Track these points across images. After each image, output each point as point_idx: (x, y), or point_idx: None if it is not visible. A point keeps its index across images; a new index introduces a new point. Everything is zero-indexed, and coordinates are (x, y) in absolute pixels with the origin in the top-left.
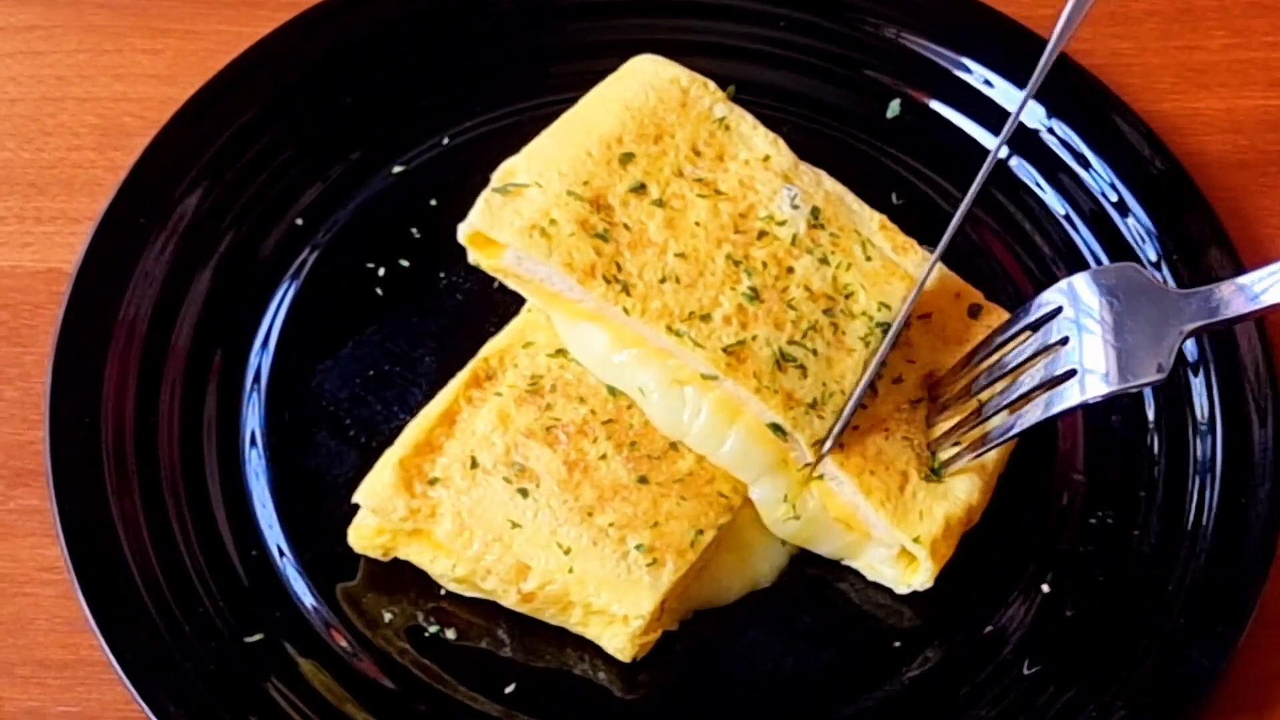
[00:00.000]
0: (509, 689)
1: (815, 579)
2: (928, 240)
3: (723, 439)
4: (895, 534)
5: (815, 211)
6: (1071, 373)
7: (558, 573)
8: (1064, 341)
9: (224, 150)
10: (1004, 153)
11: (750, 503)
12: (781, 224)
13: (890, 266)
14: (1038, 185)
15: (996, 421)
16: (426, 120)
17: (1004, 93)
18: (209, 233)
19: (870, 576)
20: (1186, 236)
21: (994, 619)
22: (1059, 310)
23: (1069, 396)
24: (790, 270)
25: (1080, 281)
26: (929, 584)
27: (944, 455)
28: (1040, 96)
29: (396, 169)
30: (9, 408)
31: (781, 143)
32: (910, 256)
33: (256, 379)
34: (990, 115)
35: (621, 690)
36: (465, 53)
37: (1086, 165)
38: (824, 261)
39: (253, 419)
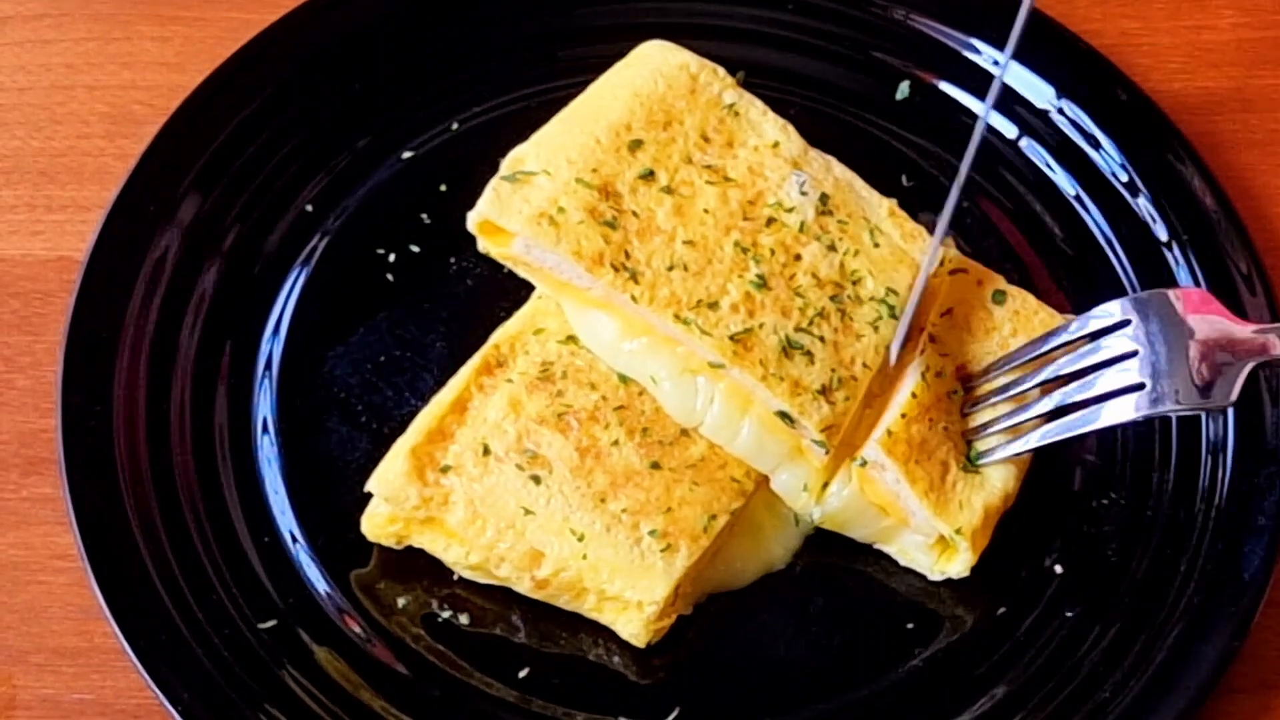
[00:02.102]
0: (523, 673)
1: (829, 561)
2: (935, 223)
3: (736, 429)
4: (937, 523)
5: (824, 198)
6: (1138, 385)
7: (571, 559)
8: (1133, 354)
9: (233, 137)
10: (1013, 133)
11: (764, 487)
12: (790, 211)
13: (898, 253)
14: (1047, 166)
15: (1047, 420)
16: (435, 106)
17: (1013, 73)
18: (219, 220)
19: (903, 562)
20: (1197, 217)
21: (1007, 600)
22: (1127, 323)
23: (1134, 408)
24: (798, 257)
25: (1151, 298)
26: (965, 573)
27: (982, 447)
28: (1050, 77)
29: (406, 155)
30: (21, 396)
31: (791, 128)
32: (919, 243)
33: (268, 366)
34: (999, 96)
35: (636, 674)
36: (473, 38)
37: (1096, 145)
38: (832, 248)
39: (264, 406)
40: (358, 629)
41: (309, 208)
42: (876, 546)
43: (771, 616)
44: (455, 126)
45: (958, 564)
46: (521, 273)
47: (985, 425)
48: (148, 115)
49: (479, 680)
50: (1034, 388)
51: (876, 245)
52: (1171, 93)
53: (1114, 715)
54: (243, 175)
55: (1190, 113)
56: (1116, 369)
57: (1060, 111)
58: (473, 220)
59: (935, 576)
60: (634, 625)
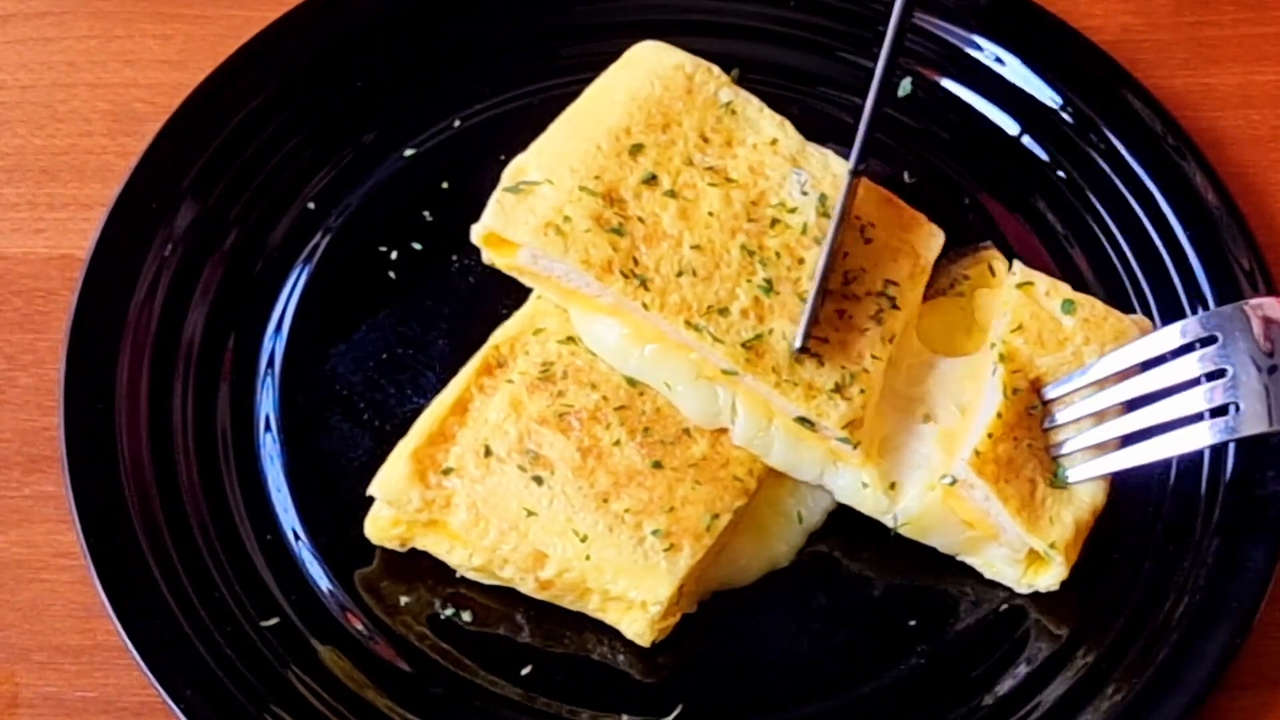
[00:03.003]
0: (526, 671)
1: (832, 559)
2: (937, 220)
3: (769, 442)
4: (1030, 540)
5: (823, 198)
6: (1223, 407)
7: (575, 560)
8: (1220, 374)
9: (235, 135)
10: (1015, 130)
11: (767, 484)
12: (792, 211)
13: (896, 244)
14: (1050, 163)
15: (1132, 438)
16: (437, 103)
17: (1015, 70)
18: (221, 218)
19: (987, 574)
20: (1199, 213)
21: (1010, 596)
22: (1214, 340)
23: (1221, 431)
24: (801, 261)
25: (1233, 314)
26: (1055, 587)
27: (1069, 465)
28: (1052, 73)
29: (408, 152)
30: (23, 394)
31: (788, 124)
32: (917, 230)
33: (270, 363)
34: (1002, 93)
35: (640, 672)
36: (475, 35)
37: (1098, 143)
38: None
39: (266, 403)
40: (360, 627)
41: (311, 205)
42: (960, 559)
43: (775, 614)
44: (457, 124)
45: (1049, 577)
46: (528, 282)
47: (1070, 443)
48: (150, 113)
49: (483, 678)
50: (1116, 405)
51: (871, 240)
52: (1174, 89)
53: (1117, 712)
54: (244, 173)
55: (1192, 109)
56: (1205, 389)
57: (1062, 108)
58: (477, 233)
59: (1022, 590)
60: (638, 625)
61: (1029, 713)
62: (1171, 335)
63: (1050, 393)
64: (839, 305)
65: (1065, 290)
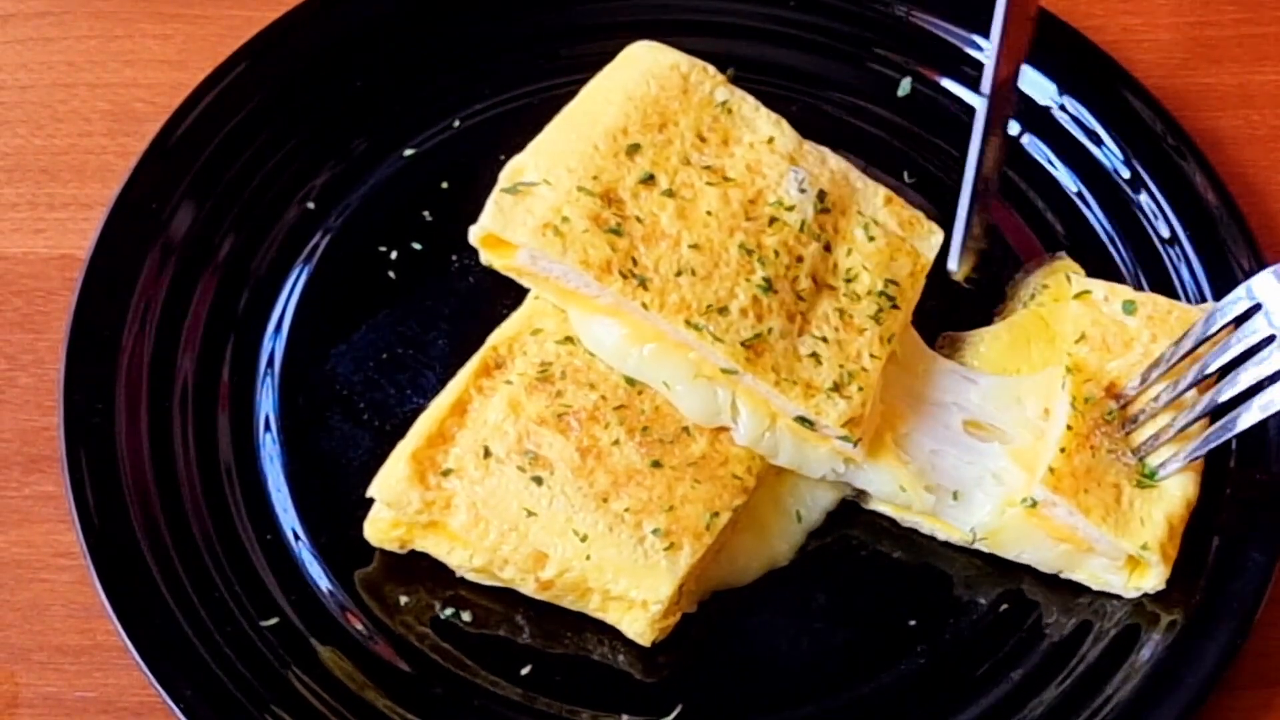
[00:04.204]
0: (526, 671)
1: (832, 558)
2: (937, 220)
3: (775, 444)
4: (1121, 546)
5: (821, 194)
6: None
7: (575, 560)
8: (1270, 340)
9: (235, 135)
10: (1015, 129)
11: (766, 483)
12: (790, 209)
13: (895, 242)
14: (1049, 163)
15: (1207, 421)
16: (437, 103)
17: None
18: (221, 217)
19: (1095, 586)
20: (1199, 213)
21: (1010, 596)
22: (1259, 307)
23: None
24: (800, 259)
25: (1268, 277)
26: (1161, 586)
27: (1154, 461)
28: (1051, 73)
29: (407, 152)
30: (23, 394)
31: (784, 123)
32: (917, 229)
33: (270, 363)
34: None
35: (640, 672)
36: (474, 35)
37: (1099, 142)
38: (828, 249)
39: (266, 403)
40: (360, 627)
41: (311, 205)
42: (1064, 575)
43: (775, 613)
44: (457, 124)
45: (1151, 579)
46: (526, 283)
47: (1151, 439)
48: (149, 113)
49: (483, 678)
50: (1188, 389)
51: (871, 239)
52: (1173, 89)
53: (1117, 711)
54: (244, 173)
55: (1192, 109)
56: (1255, 360)
57: (1062, 108)
58: (475, 234)
59: (1130, 594)
60: (639, 624)
61: (1029, 713)
62: (1226, 310)
63: (1126, 394)
64: (838, 304)
65: (1125, 292)
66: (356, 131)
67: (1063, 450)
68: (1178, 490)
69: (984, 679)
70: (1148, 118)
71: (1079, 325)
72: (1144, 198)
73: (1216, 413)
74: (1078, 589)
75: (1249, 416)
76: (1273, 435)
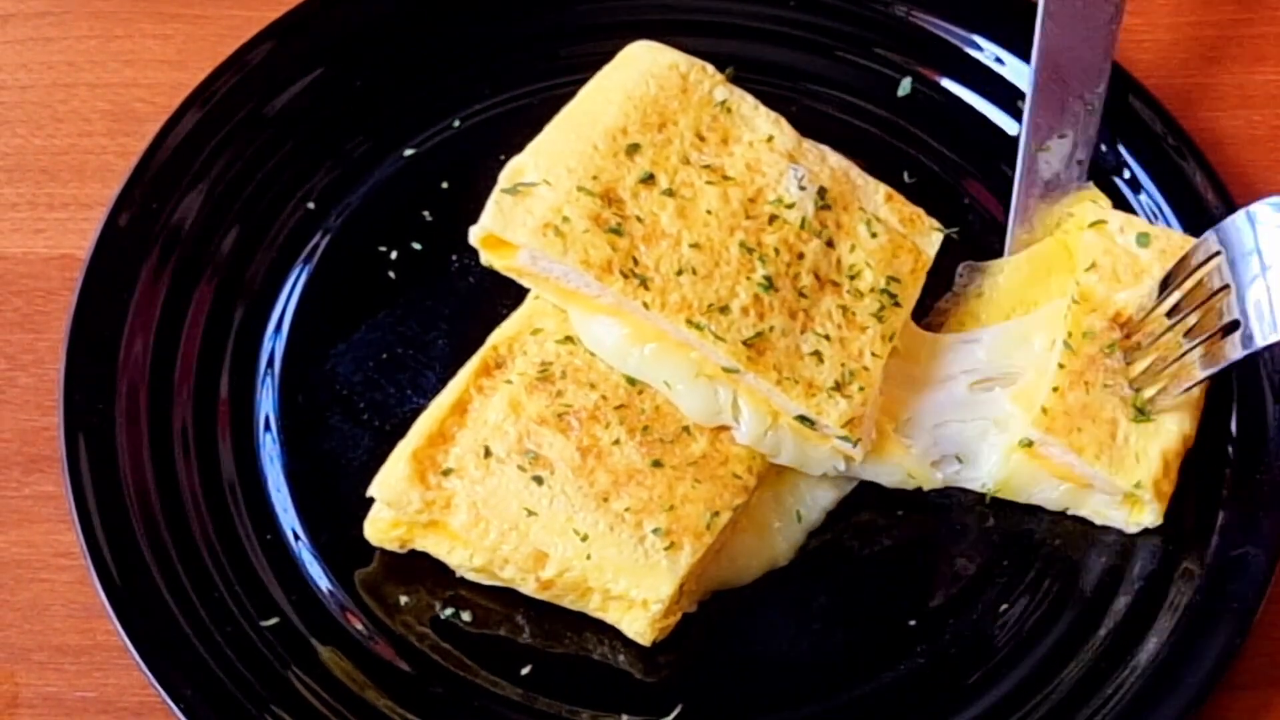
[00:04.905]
0: (526, 670)
1: (832, 558)
2: (938, 217)
3: (778, 441)
4: (1115, 483)
5: (822, 191)
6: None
7: (575, 559)
8: (1224, 289)
9: (234, 135)
10: (1015, 129)
11: (766, 482)
12: (790, 207)
13: (897, 239)
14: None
15: (1197, 356)
16: (437, 103)
17: (1015, 70)
18: (221, 217)
19: (1099, 522)
20: (1199, 212)
21: (1010, 597)
22: (1219, 253)
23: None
24: (801, 256)
25: (1234, 222)
26: (1158, 522)
27: (1148, 393)
28: None
29: (408, 152)
30: (23, 394)
31: (784, 122)
32: (918, 226)
33: (270, 363)
34: (1002, 93)
35: (640, 671)
36: (475, 35)
37: (1099, 142)
38: (830, 245)
39: (266, 403)
40: (360, 626)
41: (311, 205)
42: (1070, 513)
43: (775, 614)
44: (457, 124)
45: (1148, 515)
46: (526, 283)
47: (1148, 369)
48: (149, 113)
49: (483, 678)
50: (1180, 322)
51: (874, 235)
52: (1173, 88)
53: (1117, 712)
54: (244, 173)
55: (1192, 109)
56: (1229, 298)
57: None
58: (476, 235)
59: (1132, 529)
60: (639, 624)
61: (1029, 713)
62: (1199, 249)
63: (1129, 324)
64: (841, 301)
65: (1140, 224)
66: (356, 131)
67: (1055, 389)
68: (1174, 426)
69: (984, 679)
70: (1148, 117)
71: (1091, 254)
72: (1144, 197)
73: (1211, 344)
74: (1078, 588)
75: (1230, 352)
76: (1273, 435)
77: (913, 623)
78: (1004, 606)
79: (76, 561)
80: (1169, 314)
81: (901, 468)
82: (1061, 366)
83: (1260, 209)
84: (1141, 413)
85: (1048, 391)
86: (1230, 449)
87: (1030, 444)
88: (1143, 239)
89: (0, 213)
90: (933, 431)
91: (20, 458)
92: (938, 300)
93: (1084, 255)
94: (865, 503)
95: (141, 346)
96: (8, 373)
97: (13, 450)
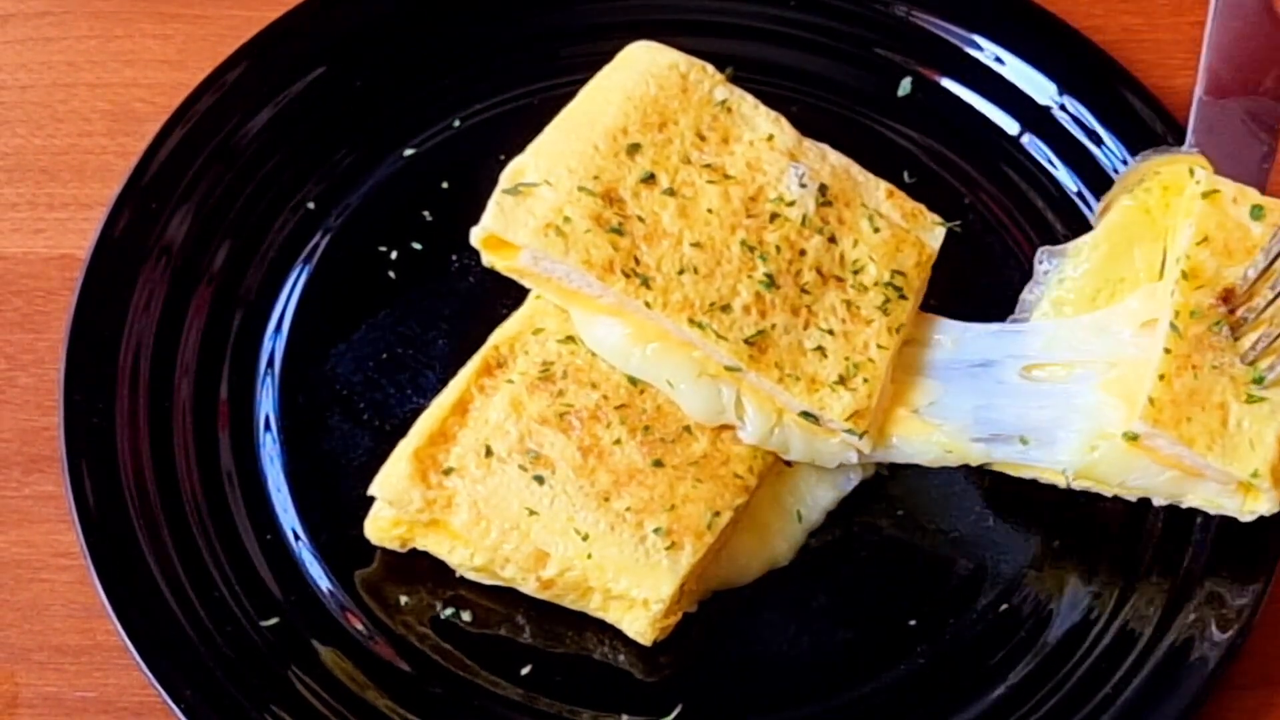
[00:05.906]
0: (526, 670)
1: (832, 558)
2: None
3: (786, 439)
4: (1230, 473)
5: (823, 188)
6: None
7: (576, 559)
8: None
9: (234, 135)
10: (1015, 129)
11: (766, 482)
12: (791, 204)
13: (900, 234)
14: (1050, 163)
15: None
16: (437, 103)
17: (1015, 70)
18: (221, 217)
19: (1211, 511)
20: None
21: (1010, 596)
22: None
23: None
24: (803, 253)
25: None
26: (1275, 509)
27: (1263, 365)
28: (1051, 73)
29: (407, 152)
30: (23, 394)
31: (784, 121)
32: (920, 221)
33: (270, 363)
34: (1002, 93)
35: (640, 671)
36: (475, 35)
37: (1099, 142)
38: (832, 240)
39: (266, 403)
40: (360, 626)
41: (311, 205)
42: (1177, 503)
43: (775, 614)
44: (457, 124)
45: (1264, 503)
46: (528, 284)
47: (1258, 342)
48: (149, 113)
49: (483, 678)
50: None
51: (876, 230)
52: (1173, 89)
53: (1117, 711)
54: (244, 173)
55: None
56: None
57: (1062, 108)
58: (477, 236)
59: (1246, 518)
60: (640, 623)
61: (1029, 713)
62: None
63: (1235, 297)
64: (845, 295)
65: (1254, 195)
66: (356, 131)
67: (1161, 378)
68: None
69: (984, 679)
70: (1148, 118)
71: (1204, 227)
72: None
73: None
74: (1077, 589)
75: None
76: None
77: (913, 623)
78: (1004, 606)
79: (76, 561)
80: (1273, 285)
81: (935, 445)
82: (1167, 351)
83: None
84: (1255, 385)
85: (1153, 380)
86: None
87: (1135, 437)
88: (1257, 211)
89: (0, 213)
90: (973, 412)
91: (20, 458)
92: (1021, 291)
93: (1198, 228)
94: (865, 503)
95: (141, 346)
96: (8, 373)
97: (13, 450)
